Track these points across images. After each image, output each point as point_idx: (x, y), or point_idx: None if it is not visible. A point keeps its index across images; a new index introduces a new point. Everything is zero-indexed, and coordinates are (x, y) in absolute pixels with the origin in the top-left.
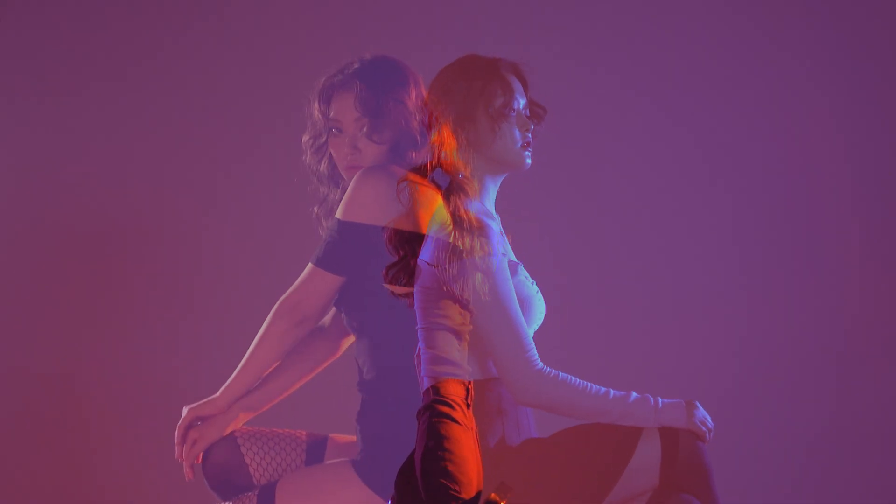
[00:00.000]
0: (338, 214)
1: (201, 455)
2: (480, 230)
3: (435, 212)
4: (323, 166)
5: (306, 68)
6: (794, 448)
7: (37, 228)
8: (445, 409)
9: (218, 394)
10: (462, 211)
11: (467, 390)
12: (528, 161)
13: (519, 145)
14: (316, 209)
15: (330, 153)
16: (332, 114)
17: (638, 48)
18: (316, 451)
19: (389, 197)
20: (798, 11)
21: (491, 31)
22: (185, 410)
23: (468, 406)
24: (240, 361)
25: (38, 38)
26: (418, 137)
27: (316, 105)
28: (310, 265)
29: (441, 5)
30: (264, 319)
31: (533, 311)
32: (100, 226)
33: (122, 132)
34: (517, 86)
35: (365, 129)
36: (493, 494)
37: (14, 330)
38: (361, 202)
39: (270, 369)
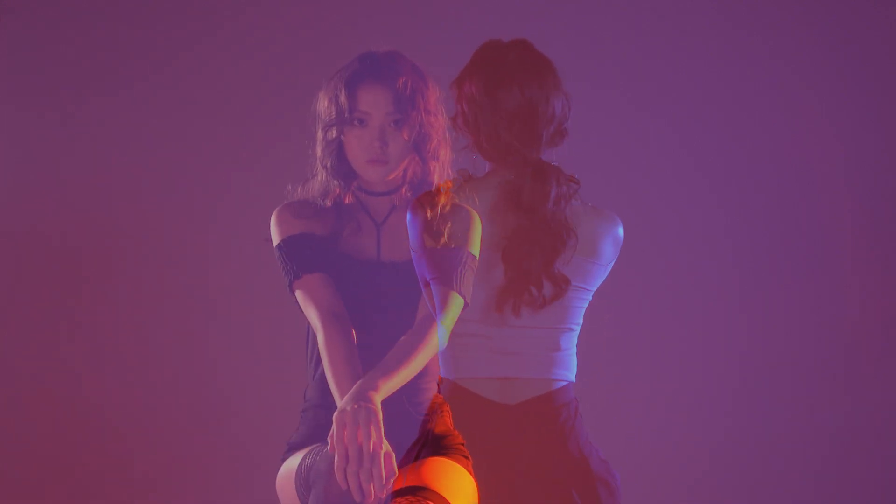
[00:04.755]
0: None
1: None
2: None
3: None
4: (331, 160)
5: (308, 70)
6: (797, 449)
7: (38, 229)
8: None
9: (373, 392)
10: None
11: None
12: None
13: None
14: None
15: (339, 146)
16: (360, 105)
17: (636, 51)
18: None
19: None
20: (793, 14)
21: (488, 32)
22: (373, 431)
23: None
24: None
25: (39, 38)
26: (433, 135)
27: (335, 96)
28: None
29: (438, 7)
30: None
31: None
32: (101, 227)
33: (122, 133)
34: None
35: (396, 123)
36: None
37: (15, 332)
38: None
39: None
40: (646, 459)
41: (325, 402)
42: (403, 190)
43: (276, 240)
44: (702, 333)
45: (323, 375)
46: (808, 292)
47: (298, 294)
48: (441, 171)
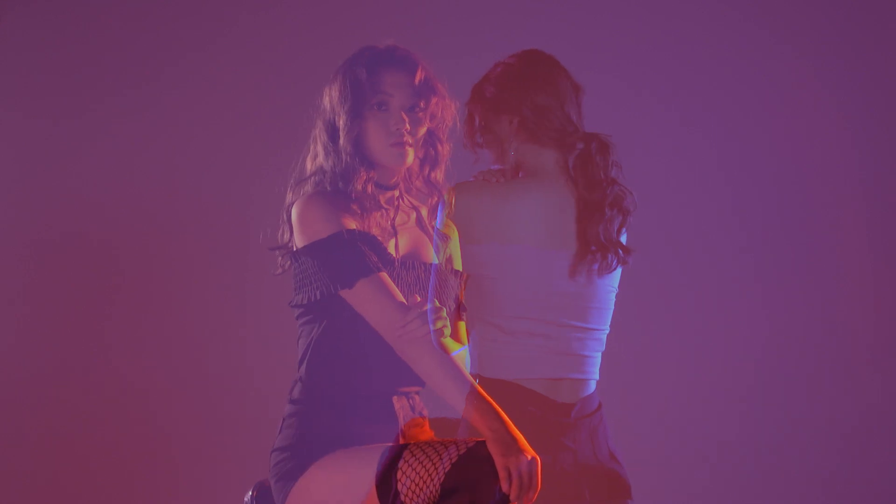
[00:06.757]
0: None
1: None
2: None
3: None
4: (352, 147)
5: (309, 70)
6: (802, 450)
7: (39, 228)
8: None
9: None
10: None
11: None
12: None
13: None
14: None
15: (358, 134)
16: (384, 87)
17: (644, 50)
18: None
19: None
20: (803, 9)
21: (489, 31)
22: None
23: None
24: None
25: (41, 38)
26: (449, 120)
27: (354, 81)
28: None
29: (439, 6)
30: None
31: None
32: (102, 226)
33: (124, 133)
34: None
35: (413, 108)
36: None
37: (17, 330)
38: None
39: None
40: (649, 460)
41: (313, 406)
42: (411, 181)
43: (328, 230)
44: (708, 336)
45: (311, 374)
46: (826, 296)
47: (361, 292)
48: (445, 162)
